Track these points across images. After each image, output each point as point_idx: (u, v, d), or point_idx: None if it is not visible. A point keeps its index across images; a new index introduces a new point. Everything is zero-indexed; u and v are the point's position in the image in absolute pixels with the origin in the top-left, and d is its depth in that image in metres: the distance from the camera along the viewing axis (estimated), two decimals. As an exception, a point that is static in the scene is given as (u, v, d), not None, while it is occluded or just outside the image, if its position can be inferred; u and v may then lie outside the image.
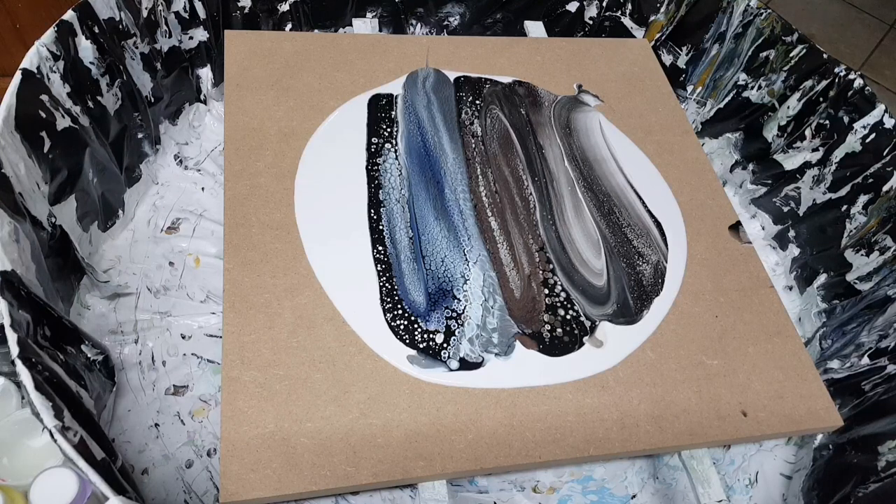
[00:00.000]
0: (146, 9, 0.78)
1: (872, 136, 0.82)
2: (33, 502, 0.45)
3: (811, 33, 1.71)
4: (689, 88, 1.03)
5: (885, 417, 0.68)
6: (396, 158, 0.79)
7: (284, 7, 0.92)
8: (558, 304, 0.71)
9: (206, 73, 0.90)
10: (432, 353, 0.65)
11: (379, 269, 0.70)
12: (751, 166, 0.97)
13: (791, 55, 0.90)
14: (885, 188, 0.80)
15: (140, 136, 0.82)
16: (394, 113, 0.83)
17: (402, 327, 0.66)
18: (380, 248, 0.71)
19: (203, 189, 0.86)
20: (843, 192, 0.85)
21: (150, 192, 0.84)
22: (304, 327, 0.64)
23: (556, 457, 0.61)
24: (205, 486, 0.65)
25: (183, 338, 0.73)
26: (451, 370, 0.64)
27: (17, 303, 0.52)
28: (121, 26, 0.75)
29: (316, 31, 0.97)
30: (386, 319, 0.67)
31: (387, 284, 0.69)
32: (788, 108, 0.91)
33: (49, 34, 0.66)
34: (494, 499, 0.69)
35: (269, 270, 0.67)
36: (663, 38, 1.01)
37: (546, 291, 0.72)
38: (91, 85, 0.72)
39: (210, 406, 0.70)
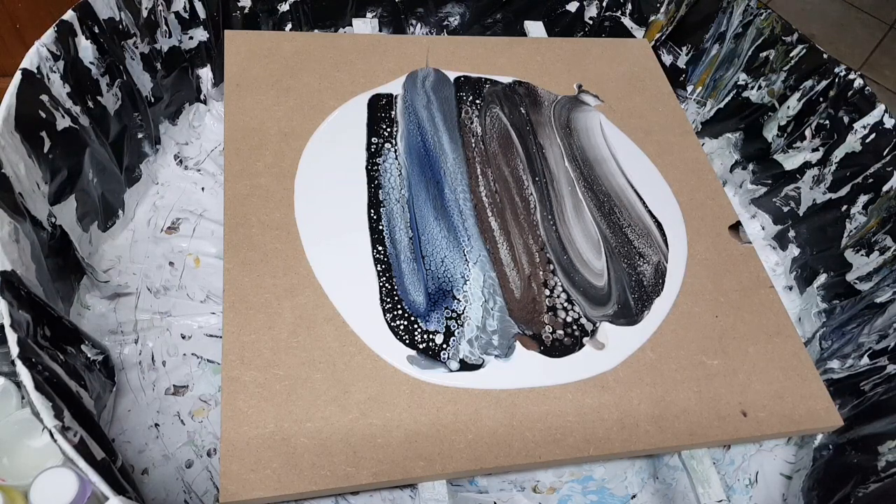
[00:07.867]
0: (146, 9, 0.78)
1: (872, 136, 0.82)
2: (33, 502, 0.45)
3: (811, 33, 1.70)
4: (689, 88, 1.03)
5: (885, 417, 0.68)
6: (396, 158, 0.79)
7: (284, 7, 0.92)
8: (559, 306, 0.71)
9: (206, 73, 0.90)
10: (432, 354, 0.65)
11: (379, 269, 0.70)
12: (751, 166, 0.97)
13: (791, 55, 0.90)
14: (885, 188, 0.80)
15: (140, 136, 0.82)
16: (394, 113, 0.83)
17: (401, 327, 0.66)
18: (380, 248, 0.71)
19: (203, 189, 0.86)
20: (843, 192, 0.85)
21: (150, 192, 0.84)
22: (304, 327, 0.64)
23: (556, 457, 0.61)
24: (205, 486, 0.65)
25: (183, 338, 0.73)
26: (451, 371, 0.64)
27: (17, 303, 0.52)
28: (121, 26, 0.75)
29: (316, 31, 0.97)
30: (386, 319, 0.67)
31: (387, 284, 0.69)
32: (788, 108, 0.91)
33: (49, 34, 0.66)
34: (494, 499, 0.69)
35: (269, 270, 0.67)
36: (663, 38, 1.01)
37: (547, 292, 0.72)
38: (91, 85, 0.72)
39: (210, 406, 0.70)
